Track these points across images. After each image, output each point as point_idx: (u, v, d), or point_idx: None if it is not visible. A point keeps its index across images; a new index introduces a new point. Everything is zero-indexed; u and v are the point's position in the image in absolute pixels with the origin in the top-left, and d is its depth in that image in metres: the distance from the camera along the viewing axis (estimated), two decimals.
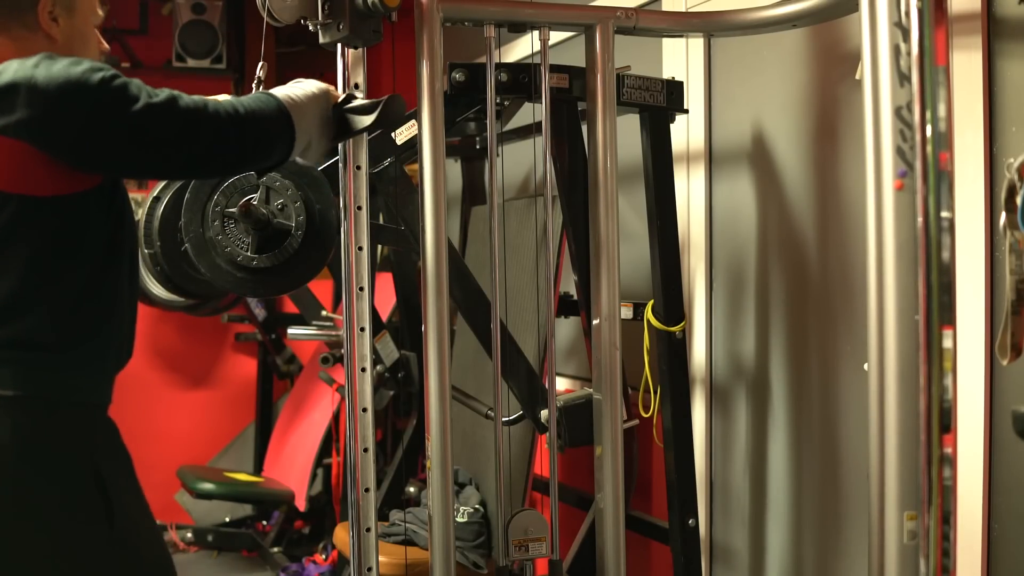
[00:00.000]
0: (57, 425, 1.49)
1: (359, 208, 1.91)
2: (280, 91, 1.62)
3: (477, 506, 2.73)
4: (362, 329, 1.92)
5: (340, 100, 1.71)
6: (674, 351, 2.33)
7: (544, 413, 2.18)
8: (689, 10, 2.64)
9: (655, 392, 2.39)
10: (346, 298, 1.91)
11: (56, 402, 1.50)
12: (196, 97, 1.47)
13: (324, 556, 3.65)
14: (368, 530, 1.93)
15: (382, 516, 2.80)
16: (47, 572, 1.46)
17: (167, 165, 1.50)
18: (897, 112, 1.45)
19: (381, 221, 2.50)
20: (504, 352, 2.05)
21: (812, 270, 2.36)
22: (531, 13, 1.99)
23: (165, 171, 1.66)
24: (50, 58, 1.43)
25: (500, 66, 2.03)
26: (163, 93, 1.45)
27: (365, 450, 1.92)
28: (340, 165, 1.92)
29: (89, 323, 1.54)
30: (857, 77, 1.56)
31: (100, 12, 1.68)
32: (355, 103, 1.71)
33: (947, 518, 1.43)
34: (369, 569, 1.94)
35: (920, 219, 1.43)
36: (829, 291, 2.30)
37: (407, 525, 2.73)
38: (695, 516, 2.33)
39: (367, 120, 1.69)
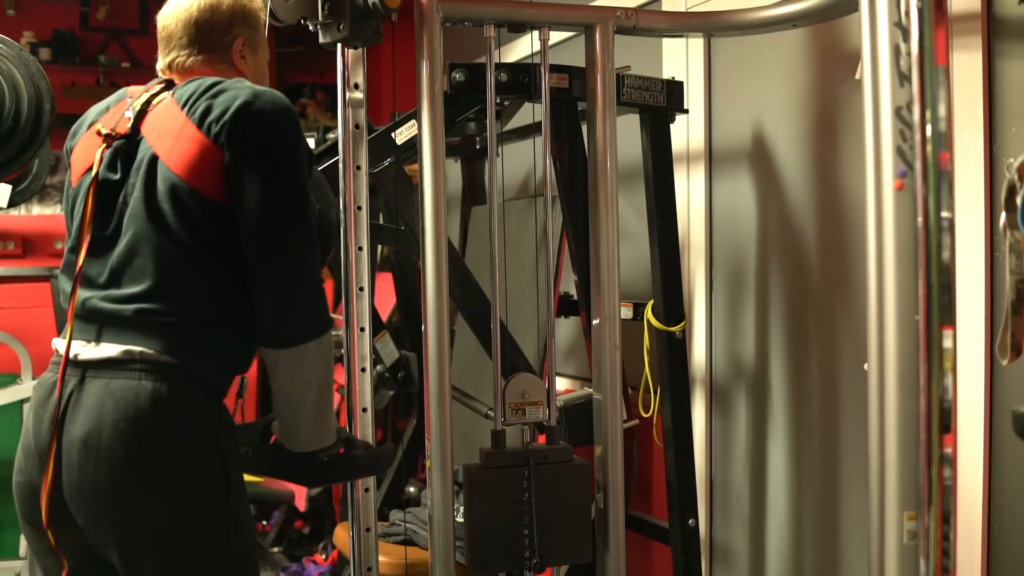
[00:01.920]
0: (192, 396, 1.58)
1: (359, 208, 1.92)
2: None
3: None
4: (362, 329, 1.92)
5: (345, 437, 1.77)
6: (674, 351, 2.33)
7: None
8: (689, 10, 2.64)
9: (655, 392, 2.39)
10: (346, 298, 1.91)
11: (197, 374, 1.59)
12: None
13: (324, 556, 3.65)
14: (368, 530, 1.93)
15: (382, 516, 2.80)
16: (167, 531, 1.54)
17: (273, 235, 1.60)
18: (897, 112, 1.45)
19: (381, 221, 2.50)
20: (504, 352, 2.04)
21: (812, 270, 2.36)
22: (531, 13, 1.99)
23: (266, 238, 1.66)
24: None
25: (500, 66, 2.03)
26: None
27: None
28: (340, 165, 1.92)
29: (243, 312, 1.63)
30: (857, 77, 1.56)
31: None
32: (345, 457, 1.76)
33: (947, 518, 1.43)
34: (369, 569, 1.94)
35: (920, 219, 1.43)
36: (829, 291, 2.30)
37: (407, 525, 2.73)
38: (695, 516, 2.33)
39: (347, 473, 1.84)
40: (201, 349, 1.60)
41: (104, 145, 1.67)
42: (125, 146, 1.66)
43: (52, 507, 1.54)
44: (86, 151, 1.71)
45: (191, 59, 1.75)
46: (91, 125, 1.74)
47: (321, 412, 1.66)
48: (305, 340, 1.61)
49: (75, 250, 1.65)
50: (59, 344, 1.63)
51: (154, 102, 1.69)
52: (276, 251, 1.58)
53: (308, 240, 1.62)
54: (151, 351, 1.56)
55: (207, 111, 1.59)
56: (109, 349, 1.57)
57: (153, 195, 1.60)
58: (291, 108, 1.64)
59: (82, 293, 1.63)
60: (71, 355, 1.58)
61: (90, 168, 1.67)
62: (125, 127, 1.67)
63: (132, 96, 1.74)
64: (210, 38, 1.75)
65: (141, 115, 1.67)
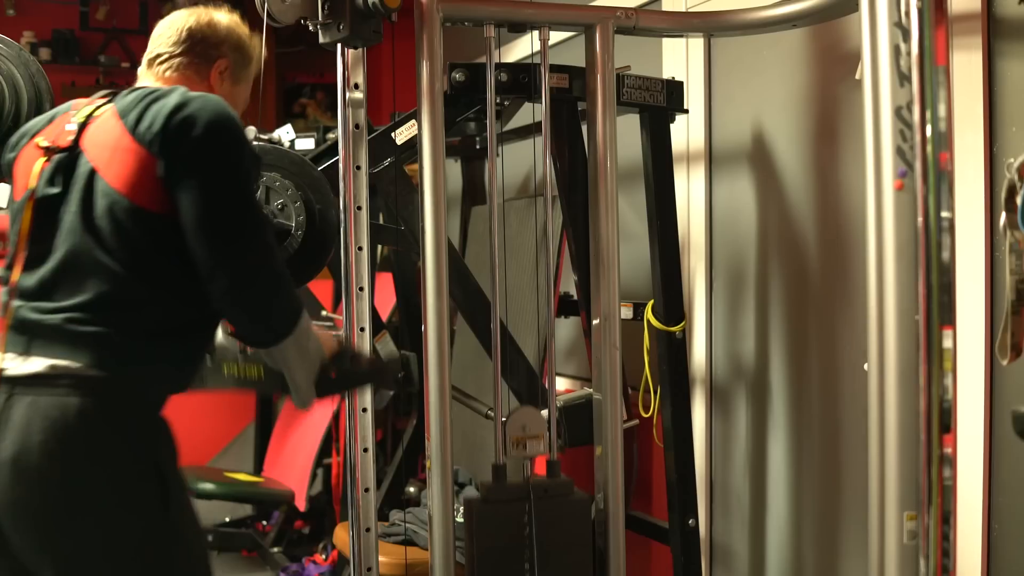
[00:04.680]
0: (122, 411, 1.55)
1: (359, 208, 1.92)
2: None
3: None
4: (362, 329, 1.92)
5: (337, 356, 1.75)
6: (674, 351, 2.33)
7: (544, 413, 2.17)
8: (689, 10, 2.64)
9: (655, 392, 2.39)
10: (346, 298, 1.91)
11: (128, 388, 1.56)
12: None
13: (324, 556, 3.65)
14: (368, 530, 1.93)
15: (382, 516, 2.80)
16: (103, 550, 1.51)
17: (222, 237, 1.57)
18: (897, 112, 1.45)
19: (381, 221, 2.50)
20: (504, 352, 2.04)
21: (812, 270, 2.36)
22: (531, 13, 1.99)
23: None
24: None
25: (500, 66, 2.03)
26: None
27: (365, 450, 1.92)
28: (340, 165, 1.92)
29: (184, 325, 1.63)
30: (857, 77, 1.56)
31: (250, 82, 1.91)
32: (348, 372, 1.76)
33: (947, 518, 1.43)
34: (369, 569, 1.94)
35: (920, 219, 1.43)
36: (829, 291, 2.30)
37: (407, 525, 2.73)
38: (695, 516, 2.33)
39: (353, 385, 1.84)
40: (132, 361, 1.56)
41: (44, 159, 1.64)
42: (66, 160, 1.62)
43: None
44: (27, 165, 1.67)
45: (172, 59, 1.75)
46: (32, 137, 1.71)
47: (309, 375, 1.67)
48: (280, 339, 1.61)
49: (10, 266, 1.61)
50: None
51: (96, 115, 1.66)
52: (226, 260, 1.55)
53: (259, 243, 1.58)
54: (78, 365, 1.51)
55: (140, 119, 1.56)
56: (36, 364, 1.52)
57: (90, 210, 1.56)
58: (228, 110, 1.59)
59: (15, 304, 1.59)
60: (0, 371, 1.53)
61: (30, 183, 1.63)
62: (66, 140, 1.64)
63: (76, 108, 1.70)
64: (196, 45, 1.76)
65: (82, 128, 1.64)
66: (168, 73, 1.76)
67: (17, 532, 1.51)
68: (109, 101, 1.68)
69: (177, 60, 1.76)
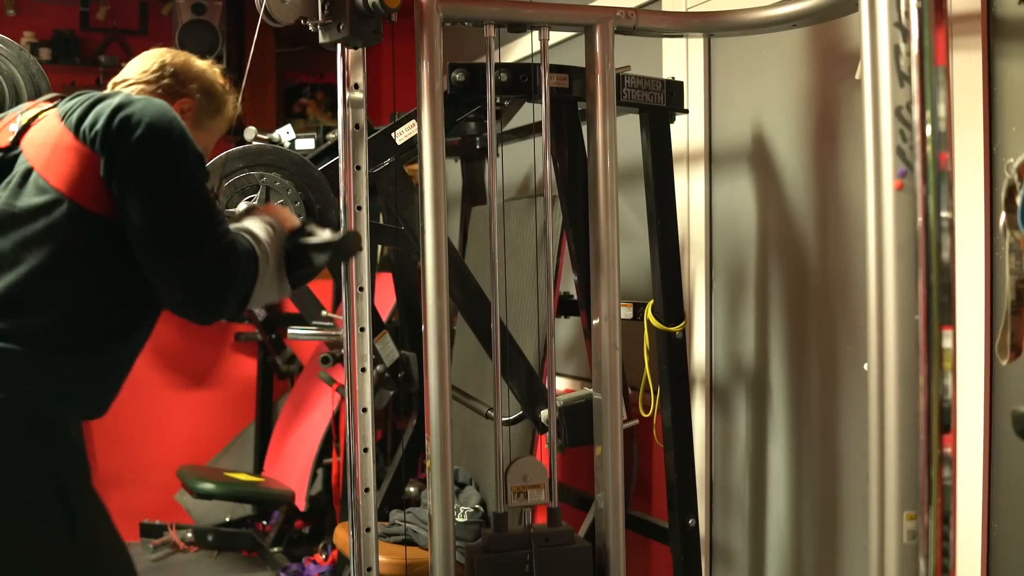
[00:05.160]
0: (28, 432, 1.48)
1: (359, 208, 1.91)
2: (254, 228, 1.65)
3: (477, 506, 2.73)
4: (362, 329, 1.92)
5: (296, 231, 1.73)
6: (674, 351, 2.33)
7: (544, 413, 2.18)
8: (689, 10, 2.64)
9: (655, 392, 2.39)
10: (346, 298, 1.91)
11: (36, 409, 1.49)
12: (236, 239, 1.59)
13: (324, 556, 3.65)
14: (368, 530, 1.93)
15: (382, 516, 2.80)
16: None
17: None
18: (897, 112, 1.45)
19: (381, 221, 2.50)
20: (504, 352, 2.05)
21: (812, 270, 2.36)
22: (531, 13, 1.99)
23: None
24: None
25: (500, 66, 2.03)
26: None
27: (365, 450, 1.92)
28: (340, 165, 1.92)
29: (109, 337, 1.56)
30: (857, 77, 1.56)
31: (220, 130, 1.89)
32: (311, 240, 1.72)
33: (947, 518, 1.43)
34: (369, 569, 1.94)
35: (920, 219, 1.43)
36: (829, 291, 2.30)
37: (407, 525, 2.73)
38: (695, 516, 2.33)
39: (322, 258, 1.75)
40: (32, 377, 1.48)
41: None
42: (2, 159, 1.60)
43: None
44: None
45: (137, 85, 1.75)
46: None
47: (278, 280, 1.65)
48: (245, 306, 1.60)
49: None
50: None
51: (39, 117, 1.63)
52: (175, 261, 1.51)
53: (208, 242, 1.54)
54: None
55: (82, 118, 1.54)
56: None
57: (20, 209, 1.52)
58: (170, 112, 1.57)
59: None
60: None
61: None
62: (6, 140, 1.62)
63: (22, 110, 1.69)
64: (166, 78, 1.76)
65: (24, 130, 1.62)
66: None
67: None
68: (54, 105, 1.65)
69: (141, 87, 1.75)
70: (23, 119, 1.64)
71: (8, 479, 1.45)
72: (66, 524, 1.48)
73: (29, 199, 1.52)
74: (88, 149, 1.51)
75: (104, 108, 1.53)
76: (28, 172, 1.55)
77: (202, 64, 1.83)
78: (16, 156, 1.59)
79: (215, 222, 1.56)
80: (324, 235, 1.75)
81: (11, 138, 1.62)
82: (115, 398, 1.64)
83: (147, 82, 1.76)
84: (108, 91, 1.65)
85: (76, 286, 1.52)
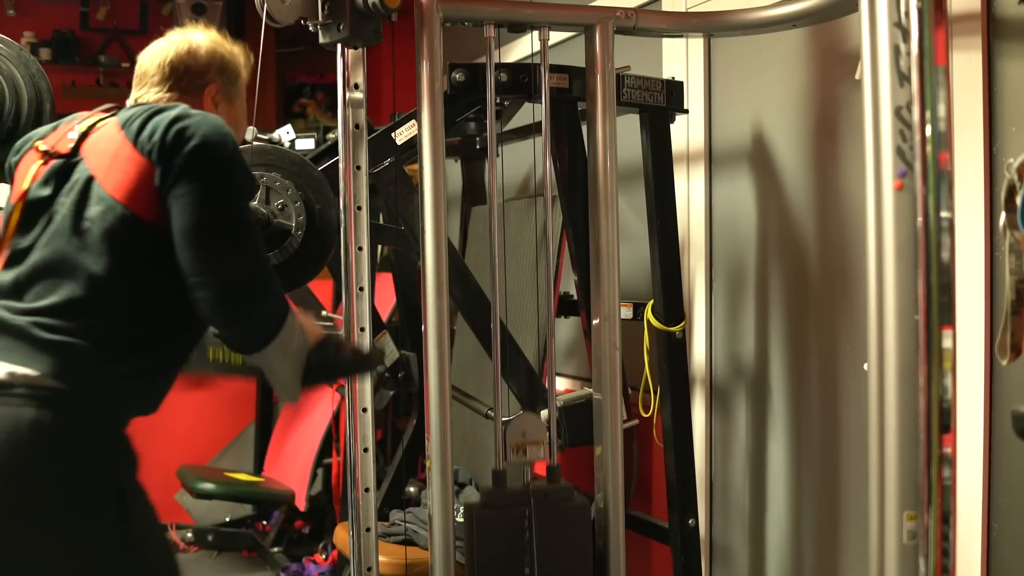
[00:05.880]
0: (79, 425, 1.51)
1: (359, 208, 1.92)
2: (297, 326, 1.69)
3: None
4: (362, 329, 1.92)
5: (319, 344, 1.73)
6: (674, 351, 2.33)
7: (544, 413, 2.18)
8: (689, 10, 2.64)
9: (655, 392, 2.39)
10: (346, 298, 1.91)
11: (96, 402, 1.54)
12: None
13: (324, 556, 3.65)
14: (368, 530, 1.94)
15: (382, 516, 2.80)
16: (54, 566, 1.49)
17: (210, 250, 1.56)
18: (897, 112, 1.45)
19: (381, 221, 2.50)
20: (504, 352, 2.05)
21: (812, 270, 2.36)
22: (531, 13, 1.99)
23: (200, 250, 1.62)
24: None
25: (500, 66, 2.03)
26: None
27: (365, 450, 1.92)
28: (340, 165, 1.92)
29: (162, 338, 1.62)
30: (857, 77, 1.56)
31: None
32: (333, 360, 1.74)
33: (947, 518, 1.43)
34: (369, 569, 1.94)
35: (920, 219, 1.43)
36: (829, 291, 2.30)
37: (407, 525, 2.73)
38: (695, 516, 2.33)
39: (338, 378, 1.86)
40: (94, 374, 1.54)
41: (42, 162, 1.66)
42: (63, 166, 1.64)
43: None
44: (25, 168, 1.70)
45: (159, 95, 1.75)
46: (35, 143, 1.72)
47: (295, 374, 1.66)
48: (264, 345, 1.60)
49: None
50: None
51: (98, 125, 1.68)
52: (211, 271, 1.54)
53: (246, 257, 1.59)
54: (36, 373, 1.48)
55: (141, 129, 1.58)
56: None
57: (81, 215, 1.57)
58: (226, 129, 1.61)
59: None
60: None
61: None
62: (66, 147, 1.66)
63: (80, 119, 1.73)
64: (183, 79, 1.76)
65: (84, 137, 1.66)
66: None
67: None
68: (113, 114, 1.70)
69: (164, 96, 1.75)
70: (82, 127, 1.68)
71: (67, 469, 1.49)
72: (119, 517, 1.52)
73: (91, 207, 1.57)
74: (145, 160, 1.56)
75: (161, 120, 1.57)
76: (89, 180, 1.59)
77: (204, 41, 1.81)
78: (76, 163, 1.63)
79: (256, 242, 1.61)
80: (345, 353, 1.77)
81: (71, 145, 1.65)
82: (165, 396, 1.69)
83: (169, 90, 1.75)
84: (165, 103, 1.66)
85: (133, 290, 1.58)
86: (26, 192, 1.63)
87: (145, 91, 1.76)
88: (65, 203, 1.59)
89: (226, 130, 1.60)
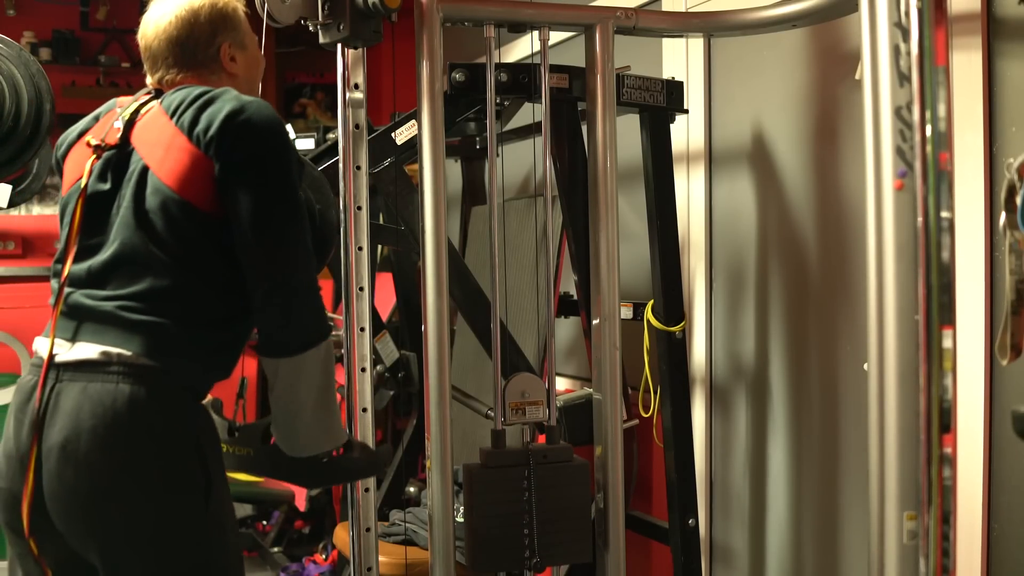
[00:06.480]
0: (171, 400, 1.58)
1: (359, 208, 1.92)
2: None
3: None
4: (362, 329, 1.92)
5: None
6: (674, 351, 2.33)
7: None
8: (689, 10, 2.64)
9: (655, 392, 2.39)
10: (346, 298, 1.91)
11: (176, 377, 1.59)
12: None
13: (324, 556, 3.65)
14: (368, 530, 1.94)
15: (382, 516, 2.80)
16: (148, 535, 1.54)
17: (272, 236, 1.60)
18: (897, 112, 1.45)
19: (381, 221, 2.50)
20: (504, 352, 2.04)
21: (812, 270, 2.36)
22: (531, 13, 1.99)
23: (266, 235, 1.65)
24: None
25: (500, 66, 2.03)
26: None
27: None
28: (340, 165, 1.92)
29: (227, 319, 1.66)
30: (857, 77, 1.56)
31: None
32: (343, 462, 1.75)
33: (947, 518, 1.43)
34: (369, 569, 1.94)
35: (920, 219, 1.43)
36: (829, 291, 2.30)
37: (407, 525, 2.73)
38: (695, 516, 2.33)
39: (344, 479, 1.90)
40: (182, 351, 1.60)
41: (94, 156, 1.68)
42: (116, 156, 1.67)
43: (34, 514, 1.54)
44: (77, 162, 1.72)
45: (180, 75, 1.75)
46: (81, 135, 1.75)
47: (319, 418, 1.66)
48: (303, 349, 1.61)
49: (61, 260, 1.66)
50: (39, 345, 1.63)
51: (142, 112, 1.70)
52: (273, 262, 1.59)
53: (304, 249, 1.63)
54: (129, 353, 1.55)
55: (195, 122, 1.59)
56: (87, 350, 1.56)
57: (142, 205, 1.60)
58: (277, 117, 1.64)
59: (67, 291, 1.63)
60: (51, 356, 1.58)
61: (80, 179, 1.68)
62: (115, 138, 1.68)
63: (121, 106, 1.74)
64: (196, 54, 1.75)
65: (130, 125, 1.68)
66: (184, 83, 1.73)
67: (64, 517, 1.54)
68: (154, 98, 1.72)
69: (183, 75, 1.75)
70: (125, 114, 1.70)
71: (160, 442, 1.55)
72: (203, 490, 1.57)
73: (149, 198, 1.60)
74: (201, 153, 1.58)
75: (216, 113, 1.59)
76: (144, 171, 1.62)
77: (194, 6, 1.75)
78: (130, 153, 1.66)
79: (307, 228, 1.65)
80: (354, 454, 1.77)
81: (119, 135, 1.68)
82: (235, 367, 1.75)
83: (184, 70, 1.74)
84: (211, 90, 1.65)
85: (205, 274, 1.62)
86: (86, 188, 1.66)
87: (163, 72, 1.75)
88: (126, 195, 1.62)
89: (275, 118, 1.63)
